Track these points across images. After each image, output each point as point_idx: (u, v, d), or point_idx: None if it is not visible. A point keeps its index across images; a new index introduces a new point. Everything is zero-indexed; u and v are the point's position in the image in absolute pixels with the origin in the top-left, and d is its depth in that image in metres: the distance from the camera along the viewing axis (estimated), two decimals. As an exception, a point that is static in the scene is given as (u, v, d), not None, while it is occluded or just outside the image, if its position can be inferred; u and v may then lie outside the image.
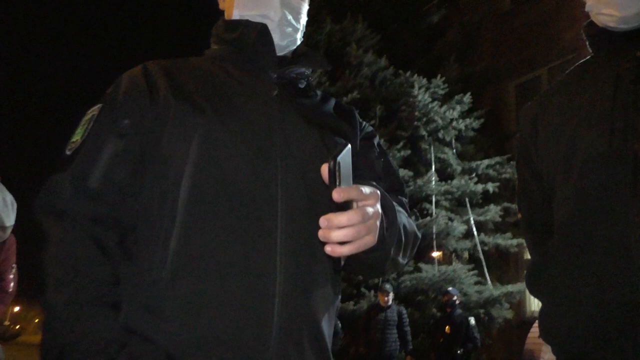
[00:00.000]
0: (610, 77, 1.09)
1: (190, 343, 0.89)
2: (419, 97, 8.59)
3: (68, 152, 0.99)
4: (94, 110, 1.02)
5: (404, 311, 7.22)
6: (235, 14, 1.12)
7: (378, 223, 0.87)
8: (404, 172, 8.57)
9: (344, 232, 0.80)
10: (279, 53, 1.11)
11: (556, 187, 1.13)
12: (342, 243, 0.81)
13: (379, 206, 0.88)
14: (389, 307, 6.99)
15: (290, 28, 1.12)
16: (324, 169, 0.81)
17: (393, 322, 6.93)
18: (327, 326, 1.01)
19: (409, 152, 8.92)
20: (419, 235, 1.11)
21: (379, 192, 0.90)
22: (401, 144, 8.88)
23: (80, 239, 0.93)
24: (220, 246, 0.93)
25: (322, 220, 0.80)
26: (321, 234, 0.80)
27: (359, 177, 1.01)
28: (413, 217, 8.22)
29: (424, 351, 7.77)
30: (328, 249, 0.81)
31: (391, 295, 7.10)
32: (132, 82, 1.03)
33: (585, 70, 1.20)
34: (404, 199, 1.13)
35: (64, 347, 0.87)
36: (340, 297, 1.08)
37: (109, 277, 0.93)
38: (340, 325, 6.95)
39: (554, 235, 1.15)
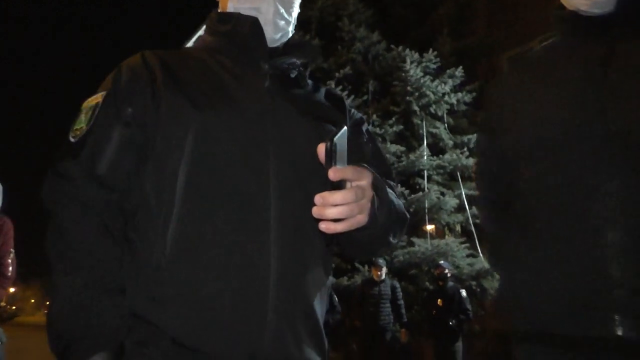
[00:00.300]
0: (580, 60, 1.09)
1: (191, 327, 0.93)
2: (411, 72, 8.56)
3: (73, 139, 1.01)
4: (97, 98, 1.04)
5: (398, 285, 7.31)
6: (230, 6, 1.14)
7: (370, 204, 0.93)
8: (396, 148, 8.58)
9: (338, 210, 0.85)
10: (272, 45, 1.12)
11: (523, 164, 1.12)
12: (335, 221, 0.86)
13: (370, 186, 0.93)
14: (383, 281, 7.07)
15: (283, 21, 1.13)
16: (321, 149, 0.86)
17: (387, 296, 7.02)
18: (319, 306, 1.06)
19: (401, 127, 8.93)
20: (408, 215, 1.16)
21: (371, 173, 0.95)
22: (394, 119, 8.88)
23: (92, 224, 0.96)
24: (216, 234, 0.96)
25: (317, 198, 0.84)
26: (315, 210, 0.85)
27: (349, 161, 1.06)
28: (407, 191, 8.29)
29: (417, 323, 7.91)
30: (322, 226, 0.86)
31: (384, 270, 7.18)
32: (134, 72, 1.05)
33: (553, 52, 1.19)
34: (392, 183, 1.17)
35: (74, 331, 0.91)
36: (330, 276, 1.13)
37: (117, 262, 0.97)
38: (337, 299, 7.05)
39: (516, 214, 1.15)
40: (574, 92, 1.06)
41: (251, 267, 0.96)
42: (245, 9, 1.12)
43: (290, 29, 1.17)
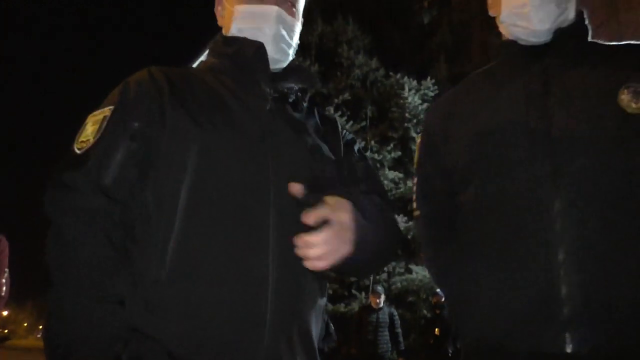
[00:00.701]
0: (521, 85, 1.12)
1: (189, 342, 0.93)
2: (409, 99, 8.63)
3: (78, 151, 1.02)
4: (105, 111, 1.06)
5: (395, 313, 7.24)
6: (234, 27, 1.17)
7: (351, 234, 0.97)
8: (394, 174, 8.59)
9: (320, 250, 0.94)
10: (273, 66, 1.15)
11: (471, 184, 1.14)
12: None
13: (351, 216, 0.97)
14: (381, 308, 7.00)
15: (284, 44, 1.17)
16: (295, 188, 0.96)
17: (385, 323, 6.94)
18: (315, 325, 1.08)
19: (399, 153, 8.95)
20: (404, 234, 1.17)
21: (349, 202, 0.99)
22: (392, 145, 8.91)
23: (98, 235, 0.97)
24: (216, 250, 0.97)
25: (299, 241, 0.93)
26: (300, 253, 0.94)
27: (348, 182, 1.15)
28: (405, 218, 8.27)
29: (415, 352, 7.80)
30: (308, 264, 0.94)
31: (383, 297, 7.12)
32: (141, 87, 1.07)
33: (495, 75, 1.23)
34: (384, 200, 1.20)
35: (72, 342, 0.91)
36: (326, 297, 1.14)
37: (117, 274, 0.97)
38: (333, 327, 6.96)
39: (459, 230, 1.17)
40: (517, 112, 1.10)
41: (250, 284, 0.97)
42: (248, 29, 1.15)
43: (291, 53, 1.21)
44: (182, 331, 0.94)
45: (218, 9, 1.25)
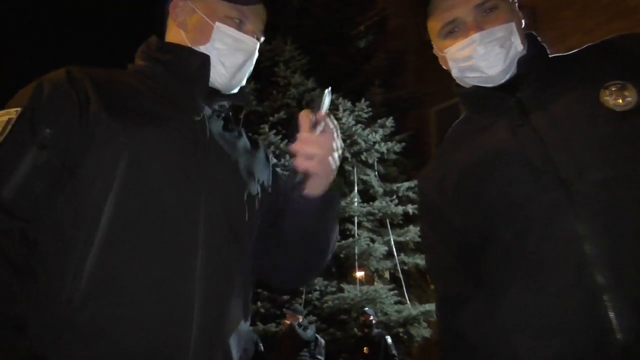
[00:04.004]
0: (503, 123, 1.10)
1: None
2: (344, 120, 8.76)
3: None
4: (10, 113, 0.93)
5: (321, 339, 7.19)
6: (209, 44, 1.11)
7: (332, 174, 1.09)
8: (328, 193, 8.64)
9: (313, 149, 1.05)
10: (223, 90, 1.14)
11: (490, 235, 1.08)
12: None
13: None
14: (306, 327, 7.00)
15: (245, 75, 1.17)
16: (304, 115, 1.08)
17: (308, 343, 6.90)
18: (236, 351, 1.03)
19: (333, 173, 9.03)
20: (337, 253, 1.19)
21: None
22: (326, 164, 8.98)
23: None
24: (140, 271, 0.90)
25: (300, 137, 1.05)
26: (295, 146, 1.05)
27: (271, 202, 1.18)
28: (338, 237, 8.31)
29: (345, 371, 7.80)
30: (298, 162, 1.05)
31: (300, 318, 7.11)
32: (57, 90, 0.96)
33: (473, 122, 1.20)
34: None
35: None
36: (249, 322, 1.11)
37: (15, 296, 0.87)
38: (262, 347, 6.86)
39: (487, 282, 1.08)
40: (510, 149, 1.07)
41: (174, 306, 0.91)
42: (225, 51, 1.11)
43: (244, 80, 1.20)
44: (95, 357, 0.85)
45: (179, 4, 1.15)
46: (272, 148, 8.35)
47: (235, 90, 1.18)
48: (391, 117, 9.41)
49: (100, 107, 0.96)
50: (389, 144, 9.43)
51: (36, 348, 0.85)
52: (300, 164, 1.05)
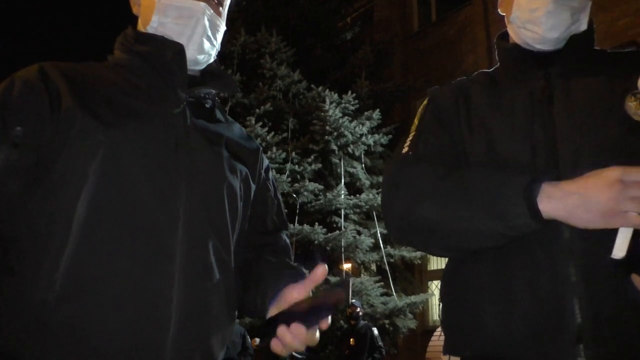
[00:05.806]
0: (524, 93, 1.11)
1: None
2: (330, 112, 8.74)
3: None
4: None
5: None
6: (154, 20, 1.07)
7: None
8: (314, 186, 8.65)
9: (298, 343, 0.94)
10: (192, 67, 1.08)
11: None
12: None
13: None
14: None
15: (208, 43, 1.10)
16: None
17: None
18: (219, 350, 1.01)
19: (319, 165, 9.03)
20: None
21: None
22: (312, 157, 8.97)
23: None
24: (116, 270, 0.88)
25: (295, 328, 0.93)
26: (275, 344, 0.92)
27: (254, 211, 1.14)
28: (325, 230, 8.32)
29: (331, 363, 7.84)
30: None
31: None
32: (29, 86, 0.93)
33: (497, 80, 1.20)
34: (287, 239, 1.19)
35: None
36: (235, 321, 1.08)
37: None
38: (249, 340, 6.85)
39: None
40: (521, 120, 1.07)
41: (152, 308, 0.89)
42: (171, 24, 1.06)
43: (214, 54, 1.14)
44: (70, 357, 0.84)
45: None
46: (258, 140, 8.30)
47: (203, 66, 1.13)
48: (378, 110, 9.41)
49: (74, 104, 0.93)
50: (376, 136, 9.44)
51: (9, 348, 0.83)
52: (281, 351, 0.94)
